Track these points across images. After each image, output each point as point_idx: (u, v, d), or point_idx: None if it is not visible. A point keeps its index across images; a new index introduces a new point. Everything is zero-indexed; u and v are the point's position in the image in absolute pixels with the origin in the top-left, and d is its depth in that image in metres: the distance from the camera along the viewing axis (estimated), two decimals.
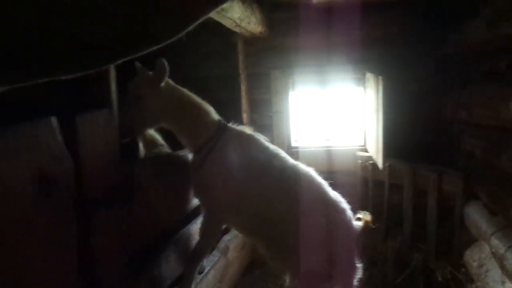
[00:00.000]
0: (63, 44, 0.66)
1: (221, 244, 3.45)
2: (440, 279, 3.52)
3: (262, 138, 2.64)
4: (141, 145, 2.69)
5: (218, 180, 2.42)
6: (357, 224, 2.69)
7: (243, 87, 4.43)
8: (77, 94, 1.74)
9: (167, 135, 2.77)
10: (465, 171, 3.64)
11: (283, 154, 2.63)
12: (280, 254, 2.58)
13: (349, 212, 2.63)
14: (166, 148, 2.94)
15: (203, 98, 2.56)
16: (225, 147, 2.45)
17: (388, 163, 4.00)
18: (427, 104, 4.29)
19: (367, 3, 4.05)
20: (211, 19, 3.02)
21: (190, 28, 0.71)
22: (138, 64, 2.39)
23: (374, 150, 4.01)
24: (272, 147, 2.63)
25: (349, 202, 2.67)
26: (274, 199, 2.47)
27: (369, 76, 4.13)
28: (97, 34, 0.65)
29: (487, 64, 3.21)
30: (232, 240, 3.65)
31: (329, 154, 4.63)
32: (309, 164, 2.68)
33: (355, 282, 2.64)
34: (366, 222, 2.69)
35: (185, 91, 2.49)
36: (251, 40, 4.47)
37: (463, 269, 3.39)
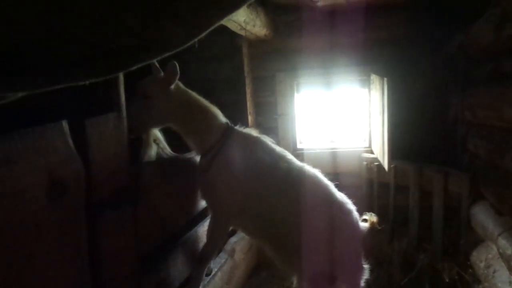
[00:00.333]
0: (80, 51, 0.68)
1: (228, 246, 3.47)
2: (446, 280, 3.51)
3: (269, 140, 2.66)
4: (149, 145, 2.70)
5: (225, 183, 2.44)
6: (364, 225, 2.69)
7: (248, 90, 4.45)
8: (86, 98, 1.77)
9: (172, 137, 2.79)
10: (470, 171, 3.63)
11: (289, 156, 2.65)
12: (287, 255, 2.60)
13: (355, 213, 2.64)
14: (167, 150, 2.95)
15: (208, 101, 2.59)
16: (232, 150, 2.47)
17: (393, 165, 4.00)
18: (432, 105, 4.29)
19: (371, 4, 4.06)
20: None
21: (203, 34, 0.73)
22: (155, 63, 2.41)
23: (380, 151, 4.01)
24: (278, 149, 2.65)
25: (354, 204, 2.68)
26: (280, 201, 2.48)
27: (374, 77, 4.14)
28: (112, 41, 0.67)
29: (491, 65, 3.21)
30: (239, 242, 3.66)
31: (334, 156, 4.64)
32: (314, 166, 2.69)
33: (362, 283, 2.65)
34: (372, 223, 2.70)
35: (194, 94, 2.52)
36: (255, 43, 4.50)
37: (470, 270, 3.38)
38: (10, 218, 1.31)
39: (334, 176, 2.83)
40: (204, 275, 2.62)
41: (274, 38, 4.50)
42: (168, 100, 2.38)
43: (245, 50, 4.37)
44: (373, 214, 2.75)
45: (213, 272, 2.98)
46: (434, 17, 4.09)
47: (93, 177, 1.72)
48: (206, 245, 2.64)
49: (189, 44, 0.75)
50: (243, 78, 4.37)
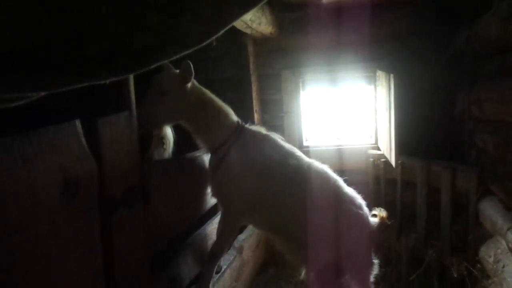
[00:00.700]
0: (102, 50, 0.69)
1: (236, 244, 3.49)
2: (455, 275, 3.51)
3: (278, 138, 2.68)
4: (160, 143, 2.70)
5: (235, 181, 2.46)
6: (373, 220, 2.71)
7: (254, 88, 4.46)
8: (97, 98, 1.79)
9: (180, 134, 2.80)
10: (478, 167, 3.63)
11: (298, 152, 2.66)
12: (297, 249, 2.62)
13: (365, 208, 2.66)
14: (169, 149, 2.93)
15: None
16: (242, 148, 2.48)
17: (400, 161, 4.00)
18: (439, 101, 4.28)
19: (376, 1, 4.06)
20: None
21: (221, 33, 0.74)
22: (167, 63, 2.42)
23: (387, 148, 4.01)
24: (287, 146, 2.67)
25: None
26: (290, 197, 2.50)
27: (380, 74, 4.13)
28: (134, 41, 0.69)
29: (498, 60, 3.20)
30: (247, 239, 3.68)
31: (340, 153, 4.64)
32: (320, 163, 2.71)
33: (371, 278, 2.66)
34: (381, 219, 2.71)
35: (208, 92, 2.55)
36: (261, 41, 4.51)
37: (478, 265, 3.38)
38: (26, 216, 1.33)
39: (341, 173, 2.83)
40: (214, 272, 2.64)
41: (279, 36, 4.50)
42: (183, 97, 2.40)
43: (250, 48, 4.38)
44: (382, 209, 2.76)
45: (222, 270, 3.00)
46: (440, 12, 4.07)
47: (106, 176, 1.74)
48: (216, 241, 2.66)
49: (207, 42, 0.76)
50: (249, 76, 4.38)
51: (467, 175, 3.66)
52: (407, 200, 4.15)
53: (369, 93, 4.68)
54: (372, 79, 4.53)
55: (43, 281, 1.41)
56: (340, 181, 2.67)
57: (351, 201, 2.61)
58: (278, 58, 4.63)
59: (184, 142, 2.82)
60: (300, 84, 4.71)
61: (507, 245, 2.84)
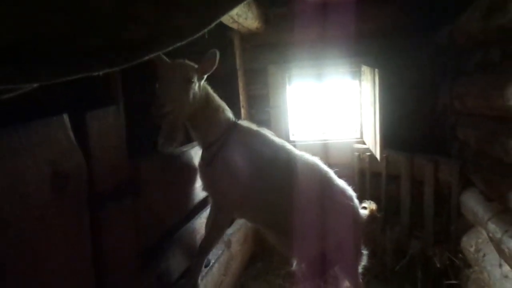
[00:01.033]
0: (94, 42, 0.70)
1: (224, 238, 3.51)
2: (438, 265, 3.60)
3: (268, 133, 2.71)
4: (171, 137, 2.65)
5: (228, 176, 2.48)
6: (363, 212, 2.77)
7: (240, 83, 4.47)
8: (85, 92, 1.78)
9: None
10: (460, 159, 3.72)
11: (288, 146, 2.70)
12: (288, 241, 2.65)
13: (356, 200, 2.72)
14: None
15: None
16: (234, 144, 2.50)
17: (385, 154, 4.07)
18: (423, 96, 4.37)
19: None
20: None
21: (213, 24, 0.76)
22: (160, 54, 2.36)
23: (372, 142, 4.08)
24: (277, 140, 2.70)
25: None
26: (282, 190, 2.54)
27: (365, 69, 4.19)
28: (126, 33, 0.70)
29: (480, 54, 3.27)
30: (235, 233, 3.70)
31: (326, 147, 4.69)
32: None
33: (360, 269, 2.72)
34: (371, 211, 2.78)
35: (210, 88, 2.54)
36: (247, 36, 4.51)
37: (460, 255, 3.48)
38: (14, 210, 1.32)
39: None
40: (203, 266, 2.65)
41: (265, 31, 4.51)
42: (199, 89, 2.35)
43: (237, 43, 4.38)
44: (372, 202, 2.83)
45: (211, 264, 3.02)
46: (423, 8, 4.15)
47: (94, 170, 1.74)
48: (207, 236, 2.68)
49: (199, 34, 0.77)
50: (235, 71, 4.39)
51: (450, 167, 3.75)
52: (392, 193, 4.23)
53: (354, 88, 4.73)
54: (357, 74, 4.59)
55: (31, 276, 1.41)
56: (331, 173, 2.73)
57: (342, 192, 2.66)
58: (265, 53, 4.65)
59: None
60: (287, 79, 4.74)
61: (488, 234, 2.93)
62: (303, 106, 5.02)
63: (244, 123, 2.71)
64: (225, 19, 3.38)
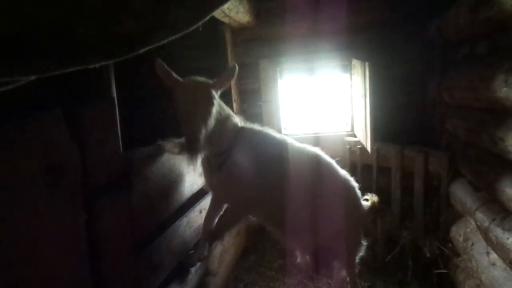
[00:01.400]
0: (90, 35, 0.72)
1: None
2: (428, 255, 3.68)
3: (270, 131, 2.77)
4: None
5: (241, 178, 2.51)
6: (365, 204, 2.82)
7: None
8: (79, 85, 1.78)
9: None
10: (449, 151, 3.79)
11: (289, 140, 2.77)
12: (294, 233, 2.69)
13: (358, 191, 2.78)
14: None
15: None
16: (242, 148, 2.54)
17: (376, 147, 4.12)
18: (412, 88, 4.42)
19: None
20: None
21: (207, 17, 0.78)
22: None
23: (363, 134, 4.13)
24: (278, 136, 2.77)
25: None
26: (288, 185, 2.58)
27: (356, 62, 4.22)
28: (121, 26, 0.71)
29: (467, 48, 3.33)
30: None
31: (318, 140, 4.72)
32: None
33: (357, 259, 2.78)
34: (373, 203, 2.83)
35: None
36: (238, 30, 4.52)
37: (449, 245, 3.55)
38: (9, 203, 1.33)
39: None
40: (205, 249, 2.75)
41: (256, 25, 4.52)
42: (217, 105, 2.40)
43: (228, 38, 4.39)
44: (374, 194, 2.88)
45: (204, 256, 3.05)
46: (413, 2, 4.19)
47: (88, 163, 1.75)
48: (220, 227, 2.76)
49: (194, 27, 0.79)
50: (227, 66, 4.39)
51: (439, 159, 3.81)
52: (383, 185, 4.29)
53: (345, 81, 4.77)
54: (348, 68, 4.62)
55: (26, 269, 1.42)
56: (333, 163, 2.77)
57: (345, 182, 2.71)
58: (256, 47, 4.66)
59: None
60: (278, 73, 4.76)
61: (476, 224, 3.00)
62: (295, 100, 5.05)
63: (248, 125, 2.74)
64: (217, 13, 3.39)
